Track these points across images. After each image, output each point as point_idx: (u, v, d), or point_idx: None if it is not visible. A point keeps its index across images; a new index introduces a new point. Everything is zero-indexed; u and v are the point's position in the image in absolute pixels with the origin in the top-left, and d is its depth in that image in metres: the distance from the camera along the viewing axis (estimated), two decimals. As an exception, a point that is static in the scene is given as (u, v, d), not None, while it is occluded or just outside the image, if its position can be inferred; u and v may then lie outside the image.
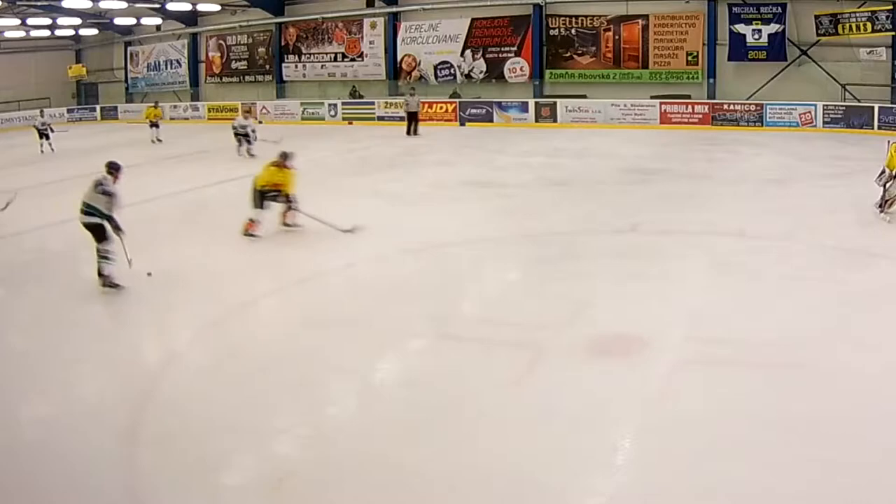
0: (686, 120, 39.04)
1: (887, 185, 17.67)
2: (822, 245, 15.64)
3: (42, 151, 36.45)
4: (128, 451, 8.38)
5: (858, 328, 10.90)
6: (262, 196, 17.43)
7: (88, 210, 13.95)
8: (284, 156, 17.93)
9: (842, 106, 36.50)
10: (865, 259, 14.30)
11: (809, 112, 36.75)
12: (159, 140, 39.01)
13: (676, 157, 28.34)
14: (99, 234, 13.96)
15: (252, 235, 17.23)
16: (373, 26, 49.09)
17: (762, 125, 37.48)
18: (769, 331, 10.97)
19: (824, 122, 36.31)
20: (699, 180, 23.48)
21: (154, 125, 39.75)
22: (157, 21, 56.50)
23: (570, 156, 30.28)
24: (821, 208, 19.06)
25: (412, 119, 39.43)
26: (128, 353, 11.39)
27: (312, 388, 9.95)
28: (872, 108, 35.30)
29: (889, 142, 19.26)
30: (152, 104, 44.32)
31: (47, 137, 37.16)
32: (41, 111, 42.43)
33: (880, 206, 17.73)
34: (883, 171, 17.98)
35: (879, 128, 34.53)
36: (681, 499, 7.26)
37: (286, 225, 17.93)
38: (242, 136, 32.09)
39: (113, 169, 14.26)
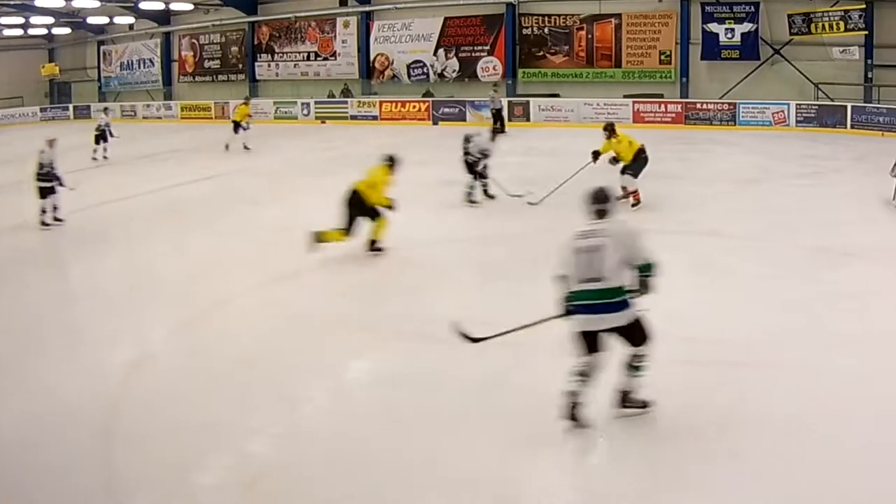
0: (659, 119, 38.46)
1: None
2: (798, 244, 15.49)
3: (95, 158, 31.85)
4: (103, 450, 8.34)
5: (835, 327, 10.84)
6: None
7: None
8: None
9: (815, 105, 36.22)
10: (841, 258, 14.19)
11: (782, 111, 36.37)
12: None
13: (650, 157, 24.65)
14: None
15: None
16: (346, 25, 48.51)
17: (735, 124, 37.01)
18: (747, 330, 10.93)
19: (797, 122, 35.98)
20: (673, 180, 23.05)
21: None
22: (130, 20, 55.54)
23: (543, 155, 30.05)
24: (795, 207, 18.88)
25: (498, 118, 37.53)
26: (103, 352, 11.33)
27: (287, 388, 9.85)
28: (845, 107, 35.00)
29: None
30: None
31: (105, 140, 32.38)
32: (105, 109, 37.97)
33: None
34: (895, 167, 18.23)
35: (852, 127, 34.43)
36: (661, 498, 7.26)
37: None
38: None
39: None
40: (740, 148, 30.29)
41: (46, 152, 19.05)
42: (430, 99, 44.72)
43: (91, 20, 54.89)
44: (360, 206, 15.40)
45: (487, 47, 44.69)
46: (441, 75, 46.07)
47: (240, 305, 13.26)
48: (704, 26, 39.33)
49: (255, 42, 52.29)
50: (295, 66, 50.82)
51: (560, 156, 28.63)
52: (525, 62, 44.04)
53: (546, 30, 43.30)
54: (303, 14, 49.77)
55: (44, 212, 18.68)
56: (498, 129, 34.86)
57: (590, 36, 42.33)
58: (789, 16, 37.07)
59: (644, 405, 8.49)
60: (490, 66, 44.65)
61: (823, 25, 36.31)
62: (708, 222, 17.31)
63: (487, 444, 8.19)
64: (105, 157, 31.90)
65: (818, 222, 17.32)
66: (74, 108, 58.99)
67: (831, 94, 36.78)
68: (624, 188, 18.85)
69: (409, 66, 46.79)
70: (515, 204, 20.12)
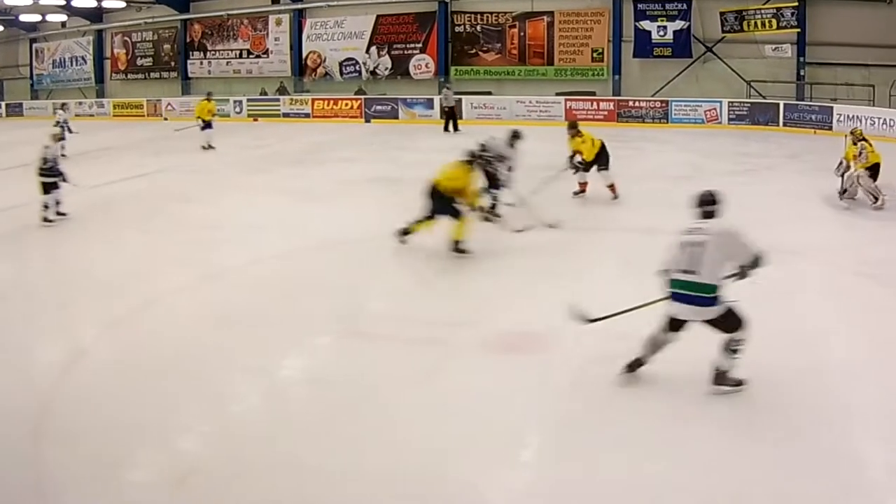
0: (591, 116, 36.55)
1: (845, 175, 17.85)
2: None
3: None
4: (33, 448, 8.01)
5: (770, 325, 9.96)
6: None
7: None
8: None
9: (747, 103, 35.49)
10: (774, 256, 12.21)
11: (715, 109, 35.48)
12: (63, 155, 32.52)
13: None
14: None
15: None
16: (278, 23, 46.70)
17: (668, 122, 35.99)
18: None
19: (729, 119, 35.12)
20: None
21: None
22: (63, 18, 52.86)
23: None
24: (728, 205, 17.02)
25: (451, 116, 35.89)
26: (33, 351, 10.97)
27: (218, 386, 9.54)
28: (778, 104, 34.34)
29: (846, 137, 19.05)
30: None
31: (63, 138, 28.81)
32: (63, 105, 35.69)
33: (841, 194, 17.92)
34: (841, 163, 18.22)
35: (785, 124, 33.74)
36: (589, 494, 7.08)
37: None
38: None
39: None
40: (673, 146, 29.47)
41: (50, 147, 18.17)
42: (362, 97, 42.71)
43: (23, 18, 52.33)
44: (440, 201, 14.51)
45: (420, 45, 43.13)
46: (373, 73, 44.35)
47: (171, 304, 12.66)
48: (637, 24, 38.45)
49: (188, 40, 50.15)
50: (227, 63, 48.84)
51: None
52: (457, 60, 42.75)
53: (478, 27, 42.07)
54: (235, 12, 47.85)
55: (46, 207, 17.79)
56: (451, 127, 35.20)
57: (522, 34, 41.24)
58: (721, 13, 36.49)
59: (738, 384, 8.62)
60: (422, 64, 43.18)
61: (756, 23, 35.90)
62: (641, 220, 16.62)
63: (419, 443, 7.93)
64: (63, 155, 29.10)
65: (751, 220, 14.65)
66: (6, 105, 55.91)
67: (763, 92, 36.17)
68: (582, 184, 18.87)
69: (341, 64, 45.23)
70: None
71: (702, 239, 8.47)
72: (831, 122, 32.02)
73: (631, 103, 37.27)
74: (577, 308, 9.33)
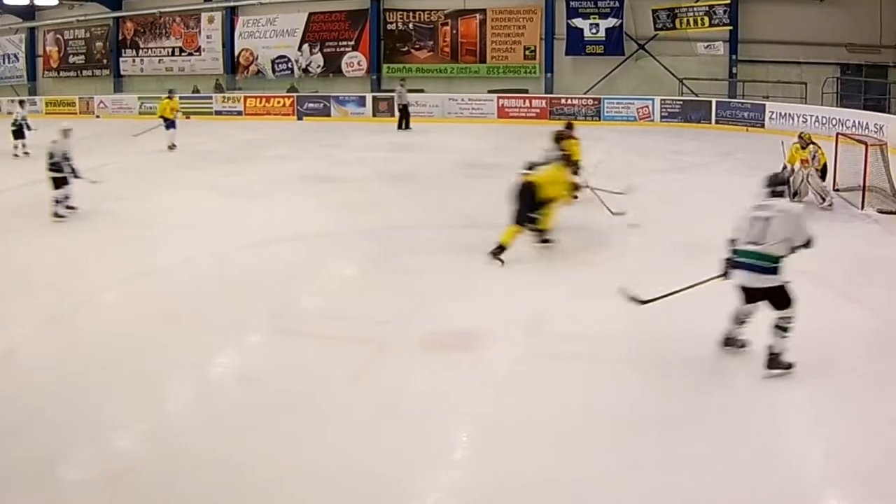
0: (524, 114, 36.17)
1: (792, 179, 16.96)
2: (663, 239, 14.73)
3: (16, 154, 27.84)
4: None
5: (701, 322, 9.97)
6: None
7: None
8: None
9: (679, 100, 34.68)
10: (705, 253, 12.24)
11: (647, 106, 34.63)
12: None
13: (515, 152, 23.49)
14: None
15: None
16: (210, 21, 44.54)
17: (600, 119, 34.79)
18: (612, 325, 10.37)
19: (662, 117, 34.29)
20: None
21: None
22: (-6, 15, 50.64)
23: (408, 150, 28.25)
24: (661, 203, 17.93)
25: (404, 113, 34.52)
26: None
27: (152, 384, 9.13)
28: (710, 102, 33.65)
29: (783, 142, 18.96)
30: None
31: (22, 136, 28.06)
32: (21, 102, 32.90)
33: (791, 197, 16.12)
34: (784, 168, 17.38)
35: (717, 122, 33.18)
36: (522, 493, 6.85)
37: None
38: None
39: None
40: (605, 143, 28.05)
41: (59, 142, 17.37)
42: (294, 94, 41.14)
43: (-46, 15, 49.55)
44: (531, 199, 13.66)
45: (352, 42, 41.39)
46: (306, 70, 42.60)
47: (105, 302, 12.28)
48: (569, 21, 37.25)
49: (120, 37, 47.65)
50: (160, 61, 46.47)
51: (425, 151, 27.97)
52: (390, 57, 40.96)
53: (411, 25, 40.32)
54: (168, 9, 45.65)
55: (56, 202, 17.13)
56: (403, 125, 34.06)
57: (454, 31, 39.79)
58: (654, 11, 35.63)
59: (789, 366, 8.75)
60: (354, 62, 41.45)
61: (688, 21, 35.17)
62: (572, 218, 15.54)
63: (351, 442, 7.69)
64: (26, 153, 27.63)
65: (683, 218, 16.51)
66: (-61, 103, 53.37)
67: (696, 90, 35.18)
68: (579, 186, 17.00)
69: (273, 62, 43.35)
70: (374, 199, 19.12)
71: (770, 214, 8.82)
72: (763, 120, 31.71)
73: (563, 101, 36.18)
74: (630, 290, 9.65)
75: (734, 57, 35.07)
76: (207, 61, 45.17)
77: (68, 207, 17.33)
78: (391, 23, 40.70)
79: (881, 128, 26.11)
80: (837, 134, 19.88)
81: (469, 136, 31.04)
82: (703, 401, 8.49)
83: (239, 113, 41.04)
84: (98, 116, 43.96)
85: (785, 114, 30.89)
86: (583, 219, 15.73)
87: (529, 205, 13.66)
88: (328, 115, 39.34)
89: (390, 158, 26.15)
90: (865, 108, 29.58)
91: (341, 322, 10.85)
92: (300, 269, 13.66)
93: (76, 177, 17.28)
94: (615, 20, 36.43)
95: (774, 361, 8.77)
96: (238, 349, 10.36)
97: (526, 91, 37.79)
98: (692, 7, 34.82)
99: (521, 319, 10.68)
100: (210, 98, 42.71)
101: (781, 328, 8.70)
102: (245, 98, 41.69)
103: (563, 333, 10.25)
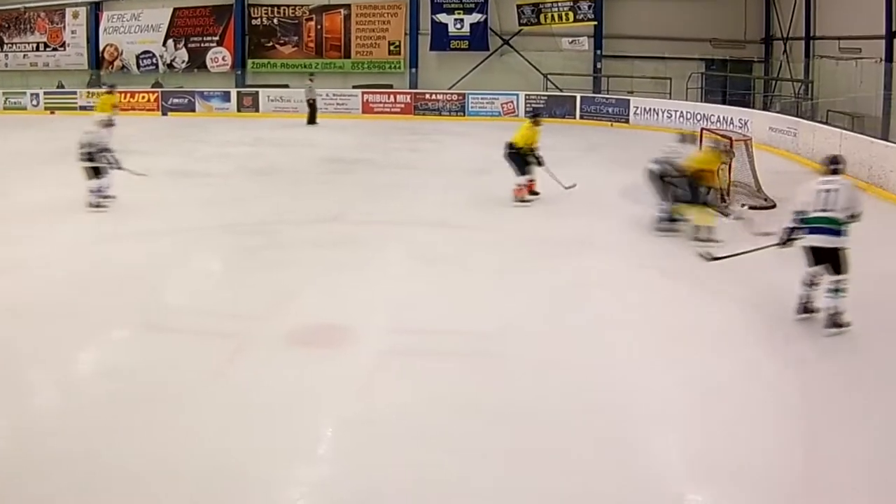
0: (388, 110, 33.65)
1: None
2: (524, 235, 14.24)
3: None
4: None
5: (557, 317, 10.01)
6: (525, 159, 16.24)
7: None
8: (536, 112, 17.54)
9: (544, 95, 32.42)
10: (570, 248, 13.36)
11: (511, 102, 32.37)
12: None
13: (379, 147, 25.28)
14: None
15: (526, 201, 16.21)
16: (75, 16, 40.07)
17: (465, 115, 32.62)
18: (471, 321, 9.89)
19: (526, 112, 29.68)
20: (402, 170, 21.20)
21: None
22: None
23: (272, 145, 26.19)
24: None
25: (312, 109, 31.89)
26: None
27: (12, 380, 8.38)
28: (575, 97, 31.66)
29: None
30: None
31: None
32: None
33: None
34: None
35: (581, 117, 31.18)
36: (385, 488, 6.50)
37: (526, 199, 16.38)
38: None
39: None
40: (470, 138, 26.74)
41: (92, 133, 16.43)
42: (159, 89, 37.40)
43: None
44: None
45: (217, 38, 37.75)
46: (170, 66, 38.71)
47: None
48: (434, 17, 34.69)
49: (-16, 33, 42.81)
50: (24, 56, 41.67)
51: (289, 146, 26.20)
52: (254, 53, 37.33)
53: (275, 20, 36.89)
54: (32, 5, 41.01)
55: (91, 192, 16.15)
56: (311, 120, 31.40)
57: (319, 27, 36.38)
58: (518, 6, 33.72)
59: (847, 325, 9.32)
60: (219, 57, 37.76)
61: (553, 16, 33.44)
62: (436, 213, 15.77)
63: (214, 437, 7.17)
64: None
65: (545, 213, 15.93)
66: None
67: (561, 85, 33.21)
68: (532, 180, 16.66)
69: (138, 57, 39.20)
70: (238, 194, 17.95)
71: (836, 186, 9.56)
72: (628, 115, 30.21)
73: (428, 96, 33.71)
74: (700, 249, 11.10)
75: (599, 52, 33.55)
76: (72, 56, 40.64)
77: (105, 197, 16.24)
78: (256, 18, 37.33)
79: (746, 123, 25.16)
80: (702, 129, 18.60)
81: (333, 132, 29.18)
82: (569, 398, 7.95)
83: (102, 109, 37.01)
84: (-41, 114, 39.35)
85: (649, 109, 29.52)
86: (438, 217, 15.33)
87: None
88: (193, 110, 35.95)
89: (255, 154, 24.37)
90: (730, 104, 28.56)
91: (205, 317, 10.21)
92: (164, 264, 12.72)
93: (118, 168, 16.44)
94: (480, 15, 34.31)
95: (835, 321, 9.34)
96: (101, 344, 9.61)
97: (390, 86, 35.24)
98: (557, 3, 33.24)
99: (385, 315, 10.19)
100: (75, 93, 38.57)
101: (840, 290, 9.32)
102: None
103: (427, 329, 9.67)
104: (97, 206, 16.06)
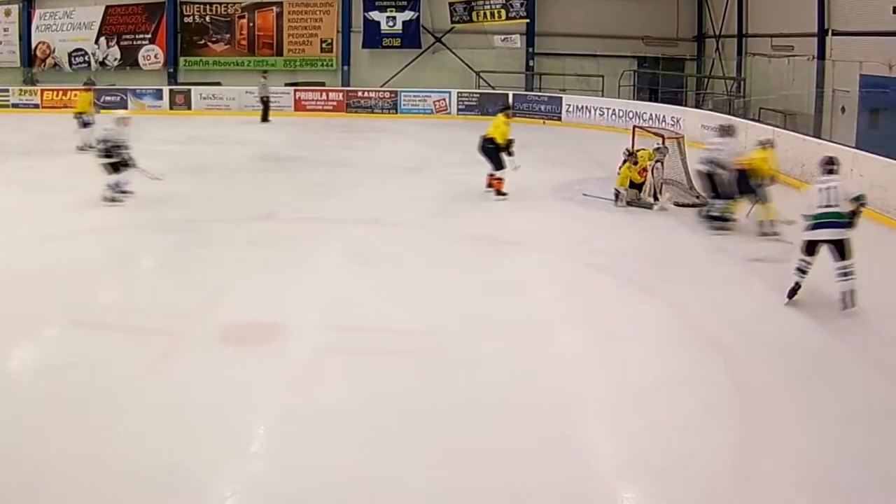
0: (321, 107, 32.18)
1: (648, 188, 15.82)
2: (459, 233, 13.84)
3: None
4: None
5: (492, 315, 9.66)
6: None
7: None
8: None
9: (476, 93, 31.33)
10: (500, 246, 13.11)
11: (444, 99, 31.17)
12: None
13: (312, 145, 24.58)
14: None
15: (503, 194, 15.84)
16: (7, 14, 37.94)
17: (397, 112, 31.36)
18: (403, 318, 9.62)
19: (459, 110, 30.94)
20: (334, 168, 20.50)
21: None
22: None
23: (205, 143, 25.20)
24: (456, 196, 16.70)
25: (266, 106, 30.52)
26: None
27: None
28: (507, 95, 30.12)
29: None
30: None
31: None
32: None
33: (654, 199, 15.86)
34: (618, 193, 15.95)
35: (514, 115, 28.15)
36: (318, 487, 6.26)
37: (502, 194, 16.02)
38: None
39: None
40: (403, 136, 26.27)
41: (113, 130, 16.23)
42: (92, 87, 35.98)
43: None
44: (493, 151, 15.90)
45: (149, 36, 36.04)
46: (103, 64, 36.89)
47: None
48: (366, 14, 33.33)
49: (-84, 31, 40.32)
50: (-45, 54, 39.33)
51: (221, 144, 25.14)
52: (186, 50, 35.61)
53: (208, 18, 35.21)
54: (-36, 3, 38.54)
55: (108, 187, 15.90)
56: (265, 118, 29.99)
57: (251, 24, 34.83)
58: (451, 4, 32.58)
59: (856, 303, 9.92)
60: (151, 55, 35.97)
61: (485, 13, 32.27)
62: (368, 210, 15.25)
63: (147, 435, 6.89)
64: None
65: (479, 210, 15.56)
66: None
67: (493, 83, 32.15)
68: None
69: (70, 55, 37.39)
70: (170, 192, 16.79)
71: (835, 184, 10.34)
72: (560, 113, 29.28)
73: (360, 94, 32.31)
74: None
75: (531, 50, 32.48)
76: (4, 54, 38.46)
77: (123, 192, 16.01)
78: (188, 16, 35.65)
79: (678, 121, 24.43)
80: (634, 127, 18.43)
81: (266, 130, 28.19)
82: (504, 395, 7.68)
83: (36, 106, 35.53)
84: None
85: (582, 107, 28.67)
86: (370, 214, 14.92)
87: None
88: (125, 107, 32.29)
89: (187, 151, 23.40)
90: (662, 101, 27.91)
91: (138, 314, 9.76)
92: (96, 262, 12.23)
93: (131, 165, 16.11)
94: (412, 13, 33.05)
95: (853, 299, 9.92)
96: (34, 342, 9.22)
97: (323, 84, 33.84)
98: (489, 0, 32.20)
99: (319, 312, 9.87)
100: (7, 91, 36.60)
101: (850, 273, 9.91)
102: (42, 91, 36.20)
103: (361, 327, 9.37)
104: (112, 200, 15.76)
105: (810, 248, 10.29)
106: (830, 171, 10.62)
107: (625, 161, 15.55)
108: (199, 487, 6.21)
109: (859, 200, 10.18)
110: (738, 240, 13.68)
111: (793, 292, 10.37)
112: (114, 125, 16.31)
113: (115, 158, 15.91)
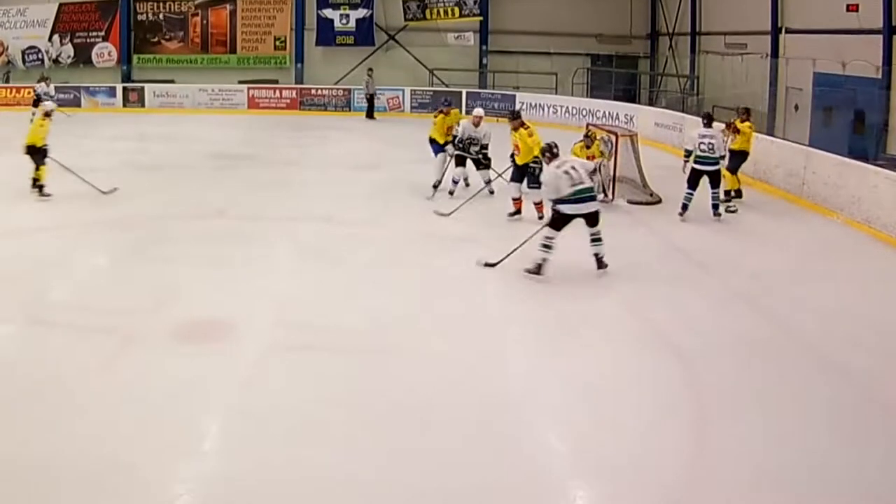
0: (274, 105, 30.94)
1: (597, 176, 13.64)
2: (409, 230, 13.51)
3: None
4: None
5: (442, 313, 9.50)
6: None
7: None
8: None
9: (430, 91, 30.24)
10: (453, 243, 12.78)
11: (397, 97, 30.18)
12: None
13: (264, 143, 23.80)
14: None
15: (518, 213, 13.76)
16: (-40, 12, 35.69)
17: (350, 110, 30.22)
18: (355, 316, 9.30)
19: (412, 107, 29.96)
20: (287, 166, 19.85)
21: None
22: None
23: (157, 141, 24.26)
24: (409, 193, 16.17)
25: (371, 103, 29.80)
26: None
27: None
28: (461, 92, 29.05)
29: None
30: None
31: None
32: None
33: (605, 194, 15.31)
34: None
35: (468, 112, 26.20)
36: (266, 483, 6.07)
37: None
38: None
39: None
40: (356, 133, 25.50)
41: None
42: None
43: None
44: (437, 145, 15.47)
45: (102, 33, 34.59)
46: (56, 61, 35.31)
47: None
48: (319, 12, 32.02)
49: None
50: None
51: (174, 142, 24.27)
52: (140, 48, 34.18)
53: (161, 16, 33.74)
54: (-81, 0, 36.47)
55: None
56: (369, 114, 29.29)
57: (205, 22, 33.32)
58: (404, 2, 31.37)
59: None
60: (105, 52, 34.41)
61: (439, 11, 31.24)
62: (320, 208, 14.80)
63: (98, 432, 6.66)
64: None
65: (431, 208, 14.82)
66: None
67: (447, 80, 31.10)
68: (516, 200, 14.12)
69: (24, 52, 35.71)
70: (123, 189, 16.14)
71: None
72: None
73: (313, 91, 31.19)
74: (481, 258, 10.69)
75: (484, 48, 31.51)
76: (-43, 52, 37.46)
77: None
78: (141, 13, 34.21)
79: (631, 118, 23.94)
80: (588, 124, 17.20)
81: (219, 127, 27.03)
82: (451, 393, 7.43)
83: (-9, 104, 32.96)
84: None
85: (535, 104, 27.49)
86: (324, 212, 14.55)
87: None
88: (79, 105, 32.64)
89: (140, 149, 22.57)
90: (616, 99, 27.15)
91: (91, 312, 9.34)
92: (49, 260, 11.75)
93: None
94: (366, 11, 31.89)
95: (602, 263, 10.48)
96: None
97: (276, 82, 32.55)
98: None
99: (270, 310, 9.52)
100: (-43, 90, 35.05)
101: (600, 239, 10.56)
102: (-8, 89, 33.90)
103: (312, 324, 9.07)
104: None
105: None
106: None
107: (581, 141, 14.86)
108: (151, 485, 6.02)
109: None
110: (691, 236, 13.49)
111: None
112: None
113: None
